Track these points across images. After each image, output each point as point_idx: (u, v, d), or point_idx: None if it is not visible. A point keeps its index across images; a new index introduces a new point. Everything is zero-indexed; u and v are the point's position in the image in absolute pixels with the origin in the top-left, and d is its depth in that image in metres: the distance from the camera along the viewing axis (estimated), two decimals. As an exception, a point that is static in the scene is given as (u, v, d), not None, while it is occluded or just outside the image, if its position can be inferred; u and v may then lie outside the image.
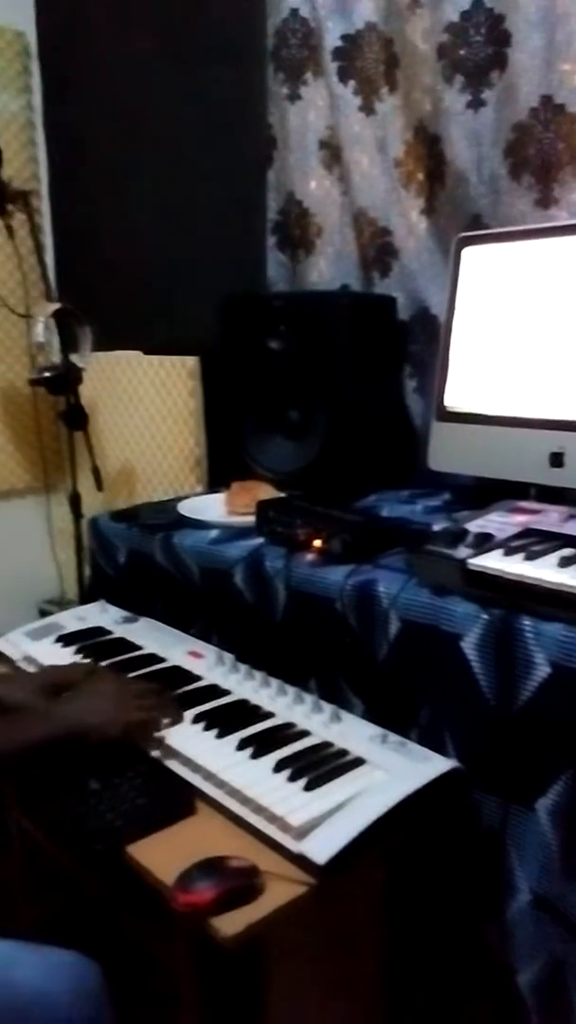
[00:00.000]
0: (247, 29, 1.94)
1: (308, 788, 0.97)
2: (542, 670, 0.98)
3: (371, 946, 1.02)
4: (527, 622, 0.99)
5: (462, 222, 1.61)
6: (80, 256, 2.62)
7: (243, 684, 1.23)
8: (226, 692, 1.22)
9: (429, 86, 1.61)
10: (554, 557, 1.04)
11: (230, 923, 0.83)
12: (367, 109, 1.75)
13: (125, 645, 1.40)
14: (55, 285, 2.27)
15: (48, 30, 2.59)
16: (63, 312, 2.02)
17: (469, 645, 1.04)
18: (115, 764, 1.06)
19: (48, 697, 1.14)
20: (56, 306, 2.03)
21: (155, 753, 1.09)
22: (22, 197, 2.03)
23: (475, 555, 1.07)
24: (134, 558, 1.58)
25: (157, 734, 1.10)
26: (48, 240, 2.67)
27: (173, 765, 1.06)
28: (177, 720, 1.13)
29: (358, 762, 1.03)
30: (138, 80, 2.30)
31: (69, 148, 2.61)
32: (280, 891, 0.87)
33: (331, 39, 1.75)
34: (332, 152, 1.84)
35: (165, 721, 1.12)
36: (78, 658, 1.35)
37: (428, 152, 1.66)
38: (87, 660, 1.33)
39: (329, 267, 1.90)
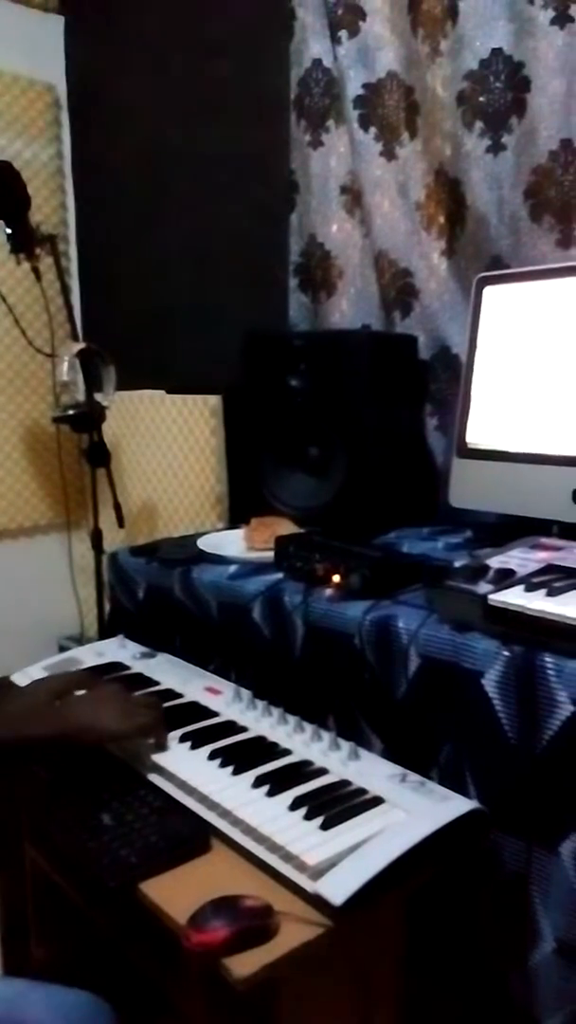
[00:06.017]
0: (271, 79, 2.00)
1: (325, 827, 0.95)
2: (565, 709, 0.95)
3: (388, 991, 0.99)
4: (549, 659, 0.98)
5: (483, 263, 1.62)
6: (105, 297, 2.68)
7: (260, 721, 1.21)
8: (243, 729, 1.20)
9: (449, 131, 1.64)
10: (576, 593, 1.02)
11: (243, 964, 0.80)
12: (388, 154, 1.78)
13: (143, 680, 1.39)
14: (80, 325, 2.32)
15: (77, 82, 2.69)
16: (88, 352, 2.06)
17: (490, 683, 1.02)
18: (128, 798, 1.05)
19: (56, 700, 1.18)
20: (81, 346, 2.07)
21: (169, 789, 1.07)
22: (49, 241, 2.09)
23: (496, 591, 1.06)
24: (153, 593, 1.57)
25: (160, 762, 1.11)
26: (74, 282, 2.74)
27: (188, 801, 1.04)
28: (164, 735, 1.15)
29: (376, 801, 1.01)
30: (163, 128, 2.37)
31: (96, 193, 2.68)
32: (295, 932, 0.84)
33: (353, 87, 1.79)
34: (353, 196, 1.87)
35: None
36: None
37: (449, 195, 1.68)
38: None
39: (350, 308, 1.93)
